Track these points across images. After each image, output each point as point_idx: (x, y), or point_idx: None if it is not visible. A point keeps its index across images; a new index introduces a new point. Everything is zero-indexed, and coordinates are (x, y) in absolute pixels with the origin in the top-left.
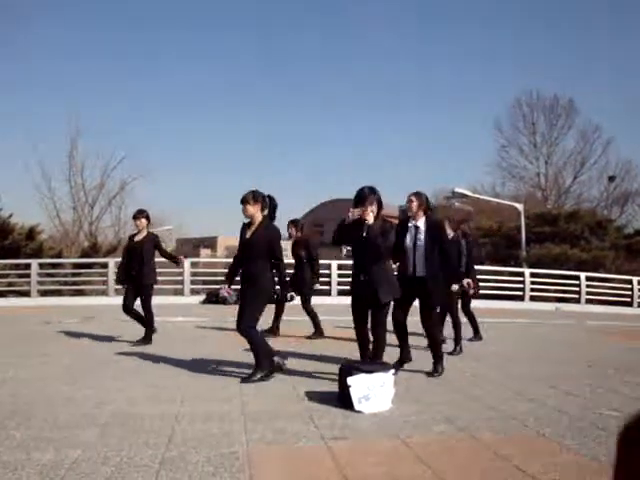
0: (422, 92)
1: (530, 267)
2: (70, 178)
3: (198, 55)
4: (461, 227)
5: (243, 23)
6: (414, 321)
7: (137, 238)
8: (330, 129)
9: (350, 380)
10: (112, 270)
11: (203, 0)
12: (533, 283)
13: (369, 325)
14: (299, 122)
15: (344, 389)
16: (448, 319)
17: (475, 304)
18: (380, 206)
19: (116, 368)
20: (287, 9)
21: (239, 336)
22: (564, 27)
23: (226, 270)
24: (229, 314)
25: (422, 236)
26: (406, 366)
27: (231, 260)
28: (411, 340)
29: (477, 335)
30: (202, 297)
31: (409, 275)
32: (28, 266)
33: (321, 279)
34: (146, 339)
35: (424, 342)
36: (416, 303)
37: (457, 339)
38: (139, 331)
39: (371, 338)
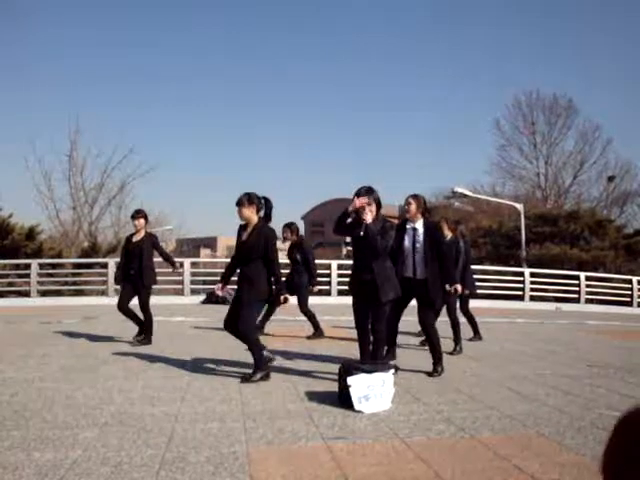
0: (422, 92)
1: (530, 267)
2: (70, 178)
3: (198, 54)
4: (458, 228)
5: (243, 22)
6: (407, 321)
7: (135, 238)
8: (330, 129)
9: (350, 380)
10: (112, 270)
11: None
12: (533, 283)
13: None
14: (299, 122)
15: (344, 389)
16: (447, 319)
17: (475, 304)
18: (379, 206)
19: (116, 368)
20: (287, 9)
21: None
22: (564, 27)
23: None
24: None
25: (421, 238)
26: (406, 366)
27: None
28: (404, 340)
29: (477, 335)
30: (202, 297)
31: (409, 277)
32: (28, 266)
33: (321, 279)
34: (146, 339)
35: (414, 341)
36: (413, 302)
37: (457, 339)
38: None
39: (371, 338)
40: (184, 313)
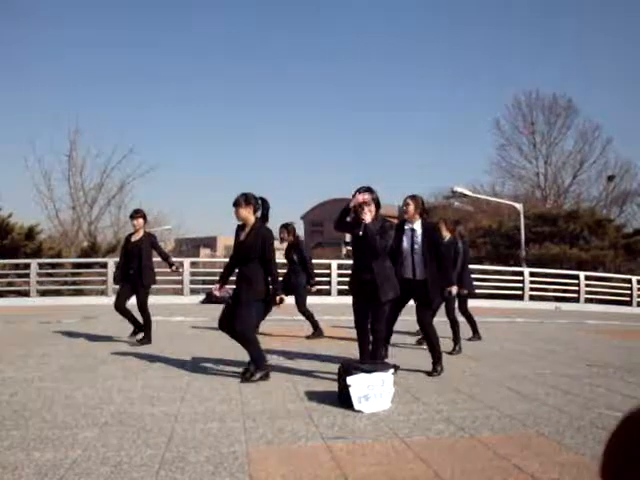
0: (422, 92)
1: (529, 266)
2: (69, 178)
3: (198, 53)
4: (457, 229)
5: (243, 22)
6: (405, 320)
7: (134, 238)
8: (330, 129)
9: (350, 380)
10: (111, 270)
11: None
12: (533, 282)
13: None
14: (299, 122)
15: (344, 389)
16: (446, 319)
17: (475, 304)
18: (378, 206)
19: (115, 368)
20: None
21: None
22: (564, 27)
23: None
24: None
25: (419, 239)
26: (406, 366)
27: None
28: (401, 339)
29: (476, 335)
30: (202, 297)
31: (409, 278)
32: (27, 266)
33: (321, 279)
34: (145, 338)
35: (411, 340)
36: (410, 302)
37: (456, 339)
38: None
39: (371, 337)
40: (183, 313)
